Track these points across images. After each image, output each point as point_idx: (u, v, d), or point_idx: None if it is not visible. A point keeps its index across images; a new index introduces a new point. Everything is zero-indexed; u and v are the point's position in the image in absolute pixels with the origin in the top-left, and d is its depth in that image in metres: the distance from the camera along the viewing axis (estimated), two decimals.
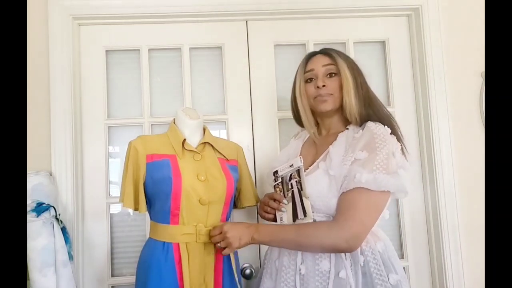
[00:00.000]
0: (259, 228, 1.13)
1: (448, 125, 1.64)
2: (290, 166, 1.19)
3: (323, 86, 1.16)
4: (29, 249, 1.29)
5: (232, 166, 1.35)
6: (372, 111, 1.15)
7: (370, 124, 1.10)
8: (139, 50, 1.67)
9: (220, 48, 1.70)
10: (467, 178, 1.63)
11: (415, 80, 1.72)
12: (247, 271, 1.53)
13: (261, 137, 1.65)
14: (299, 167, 1.16)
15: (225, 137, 1.65)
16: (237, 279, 1.24)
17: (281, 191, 1.21)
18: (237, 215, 1.60)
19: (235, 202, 1.41)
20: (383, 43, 1.75)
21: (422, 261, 1.66)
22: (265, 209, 1.25)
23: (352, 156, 1.06)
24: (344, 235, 1.01)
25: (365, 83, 1.19)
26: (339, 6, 1.67)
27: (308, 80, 1.20)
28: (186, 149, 1.28)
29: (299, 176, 1.15)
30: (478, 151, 1.64)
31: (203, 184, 1.23)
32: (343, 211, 1.04)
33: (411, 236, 1.67)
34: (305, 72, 1.21)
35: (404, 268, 1.65)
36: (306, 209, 1.12)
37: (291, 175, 1.18)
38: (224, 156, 1.34)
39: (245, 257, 1.58)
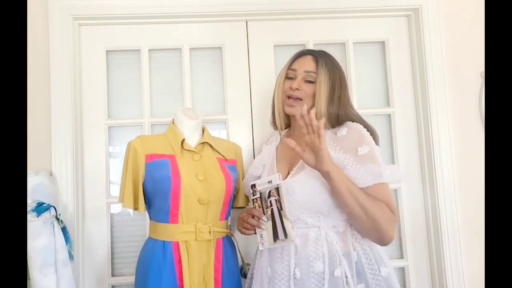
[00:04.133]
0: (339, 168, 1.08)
1: (447, 125, 1.64)
2: (269, 182, 1.14)
3: (297, 89, 1.20)
4: (30, 248, 1.29)
5: (231, 166, 1.35)
6: (345, 112, 1.21)
7: (351, 123, 1.18)
8: (139, 50, 1.67)
9: (220, 48, 1.70)
10: (466, 178, 1.63)
11: (414, 80, 1.72)
12: (246, 271, 1.53)
13: (261, 137, 1.65)
14: (278, 185, 1.12)
15: (225, 137, 1.65)
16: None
17: (259, 207, 1.17)
18: (236, 214, 1.59)
19: (233, 201, 1.41)
20: (383, 43, 1.75)
21: (422, 261, 1.66)
22: (245, 225, 1.20)
23: (352, 155, 1.10)
24: (394, 228, 1.10)
25: (344, 87, 1.23)
26: (339, 6, 1.67)
27: (288, 78, 1.25)
28: (185, 149, 1.29)
29: (279, 195, 1.12)
30: (478, 151, 1.64)
31: (202, 184, 1.24)
32: (386, 202, 1.10)
33: (411, 236, 1.67)
34: (289, 68, 1.25)
35: (403, 268, 1.65)
36: (286, 231, 1.10)
37: (270, 192, 1.14)
38: (223, 156, 1.34)
39: (245, 257, 1.58)
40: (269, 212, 1.14)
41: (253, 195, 1.19)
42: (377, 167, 1.09)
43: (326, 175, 1.06)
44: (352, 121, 1.19)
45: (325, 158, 1.04)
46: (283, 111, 1.25)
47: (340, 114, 1.19)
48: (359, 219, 1.07)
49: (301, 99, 1.19)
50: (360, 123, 1.18)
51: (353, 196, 1.05)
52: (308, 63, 1.22)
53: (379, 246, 1.16)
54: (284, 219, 1.11)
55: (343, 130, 1.16)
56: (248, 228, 1.20)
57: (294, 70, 1.23)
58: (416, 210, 1.68)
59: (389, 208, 1.09)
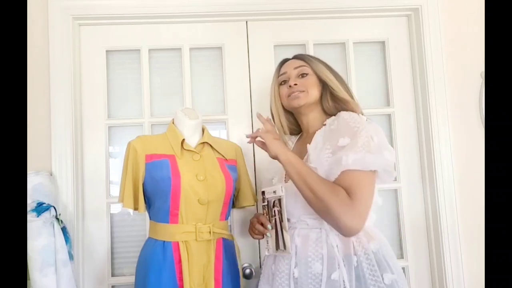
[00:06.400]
0: (293, 153, 1.11)
1: (447, 125, 1.64)
2: (274, 192, 1.16)
3: (295, 84, 1.22)
4: (30, 248, 1.29)
5: (231, 166, 1.35)
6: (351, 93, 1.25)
7: (343, 113, 1.15)
8: (139, 50, 1.68)
9: (220, 48, 1.70)
10: (466, 178, 1.63)
11: (414, 80, 1.72)
12: (247, 271, 1.54)
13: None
14: (280, 196, 1.13)
15: (225, 137, 1.65)
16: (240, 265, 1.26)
17: (267, 214, 1.20)
18: (236, 214, 1.60)
19: (233, 201, 1.41)
20: (382, 43, 1.75)
21: (422, 261, 1.66)
22: (254, 230, 1.26)
23: (332, 146, 1.08)
24: (352, 215, 1.00)
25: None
26: (339, 6, 1.67)
27: (282, 83, 1.29)
28: (185, 149, 1.29)
29: (280, 206, 1.13)
30: (478, 151, 1.64)
31: (202, 184, 1.24)
32: (347, 187, 1.02)
33: (411, 236, 1.67)
34: (278, 76, 1.30)
35: (404, 268, 1.65)
36: (285, 243, 1.11)
37: (274, 202, 1.16)
38: (223, 156, 1.34)
39: (245, 257, 1.58)
40: (273, 221, 1.16)
41: (263, 202, 1.21)
42: (339, 155, 1.04)
43: (281, 156, 1.10)
44: (353, 105, 1.19)
45: (270, 146, 1.12)
46: (291, 108, 1.26)
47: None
48: (312, 202, 1.04)
49: (304, 90, 1.22)
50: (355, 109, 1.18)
51: (301, 178, 1.05)
52: (294, 63, 1.27)
53: (389, 252, 1.11)
54: (283, 231, 1.12)
55: (334, 124, 1.13)
56: (256, 233, 1.25)
57: (285, 73, 1.27)
58: (416, 210, 1.68)
59: (349, 194, 1.01)
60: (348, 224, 1.00)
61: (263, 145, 1.17)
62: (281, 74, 1.29)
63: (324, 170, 1.07)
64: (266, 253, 1.19)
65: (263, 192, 1.21)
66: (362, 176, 1.03)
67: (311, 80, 1.23)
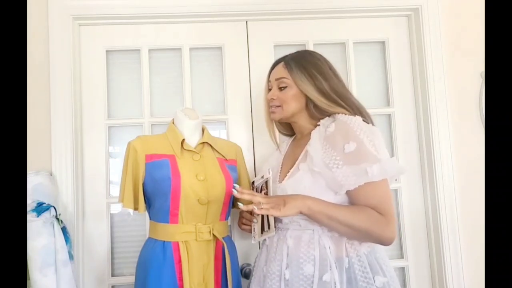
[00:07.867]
0: (310, 197, 1.07)
1: (447, 125, 1.64)
2: (262, 177, 1.19)
3: (272, 99, 1.24)
4: (30, 249, 1.29)
5: (231, 166, 1.35)
6: (341, 101, 1.18)
7: (340, 116, 1.14)
8: (139, 50, 1.68)
9: (220, 48, 1.70)
10: (466, 178, 1.63)
11: (414, 80, 1.72)
12: (247, 271, 1.54)
13: (261, 137, 1.65)
14: (267, 178, 1.16)
15: (225, 137, 1.65)
16: (230, 277, 1.23)
17: None
18: (236, 214, 1.60)
19: (233, 201, 1.41)
20: (382, 43, 1.75)
21: (422, 261, 1.66)
22: (242, 220, 1.31)
23: (339, 154, 1.06)
24: (390, 229, 1.06)
25: (330, 77, 1.19)
26: (339, 6, 1.67)
27: (269, 90, 1.30)
28: (185, 149, 1.29)
29: (267, 188, 1.15)
30: (478, 151, 1.64)
31: (202, 184, 1.24)
32: (377, 205, 1.06)
33: (411, 236, 1.67)
34: (268, 81, 1.31)
35: (403, 268, 1.65)
36: (269, 222, 1.12)
37: (262, 186, 1.18)
38: (223, 156, 1.34)
39: (245, 257, 1.58)
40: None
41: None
42: (362, 165, 1.03)
43: (304, 209, 1.04)
44: (342, 112, 1.15)
45: (285, 214, 1.03)
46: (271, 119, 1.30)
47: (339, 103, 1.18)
48: (349, 234, 1.07)
49: (279, 105, 1.22)
50: (353, 111, 1.16)
51: (333, 220, 1.04)
52: (278, 71, 1.24)
53: (381, 254, 1.12)
54: None
55: (331, 127, 1.11)
56: (243, 222, 1.31)
57: (270, 81, 1.29)
58: (416, 210, 1.68)
59: (378, 210, 1.05)
60: (389, 236, 1.06)
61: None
62: (269, 81, 1.30)
63: (332, 177, 1.06)
64: (253, 241, 1.21)
65: (252, 182, 1.26)
66: (384, 187, 1.08)
67: (290, 93, 1.20)
